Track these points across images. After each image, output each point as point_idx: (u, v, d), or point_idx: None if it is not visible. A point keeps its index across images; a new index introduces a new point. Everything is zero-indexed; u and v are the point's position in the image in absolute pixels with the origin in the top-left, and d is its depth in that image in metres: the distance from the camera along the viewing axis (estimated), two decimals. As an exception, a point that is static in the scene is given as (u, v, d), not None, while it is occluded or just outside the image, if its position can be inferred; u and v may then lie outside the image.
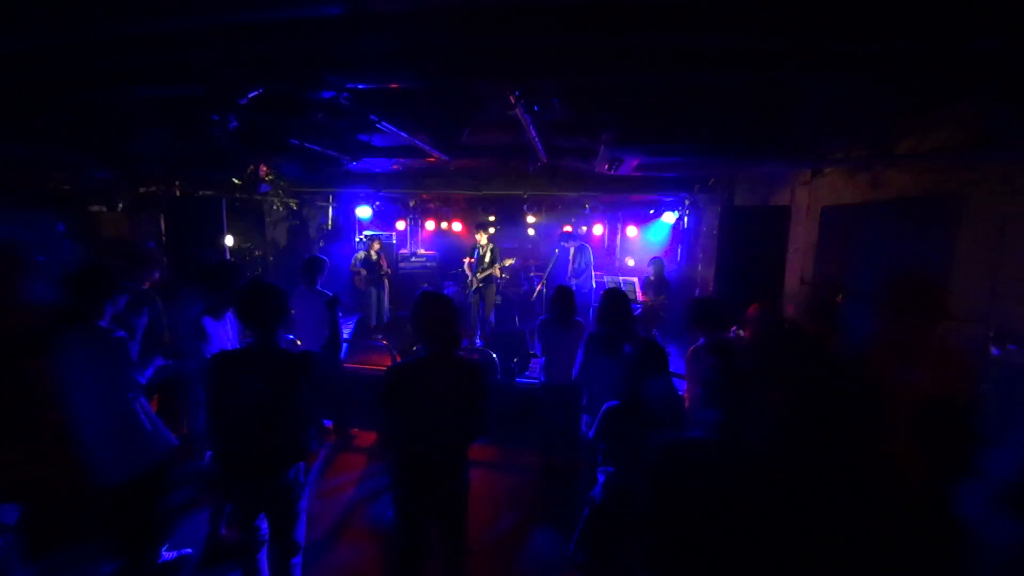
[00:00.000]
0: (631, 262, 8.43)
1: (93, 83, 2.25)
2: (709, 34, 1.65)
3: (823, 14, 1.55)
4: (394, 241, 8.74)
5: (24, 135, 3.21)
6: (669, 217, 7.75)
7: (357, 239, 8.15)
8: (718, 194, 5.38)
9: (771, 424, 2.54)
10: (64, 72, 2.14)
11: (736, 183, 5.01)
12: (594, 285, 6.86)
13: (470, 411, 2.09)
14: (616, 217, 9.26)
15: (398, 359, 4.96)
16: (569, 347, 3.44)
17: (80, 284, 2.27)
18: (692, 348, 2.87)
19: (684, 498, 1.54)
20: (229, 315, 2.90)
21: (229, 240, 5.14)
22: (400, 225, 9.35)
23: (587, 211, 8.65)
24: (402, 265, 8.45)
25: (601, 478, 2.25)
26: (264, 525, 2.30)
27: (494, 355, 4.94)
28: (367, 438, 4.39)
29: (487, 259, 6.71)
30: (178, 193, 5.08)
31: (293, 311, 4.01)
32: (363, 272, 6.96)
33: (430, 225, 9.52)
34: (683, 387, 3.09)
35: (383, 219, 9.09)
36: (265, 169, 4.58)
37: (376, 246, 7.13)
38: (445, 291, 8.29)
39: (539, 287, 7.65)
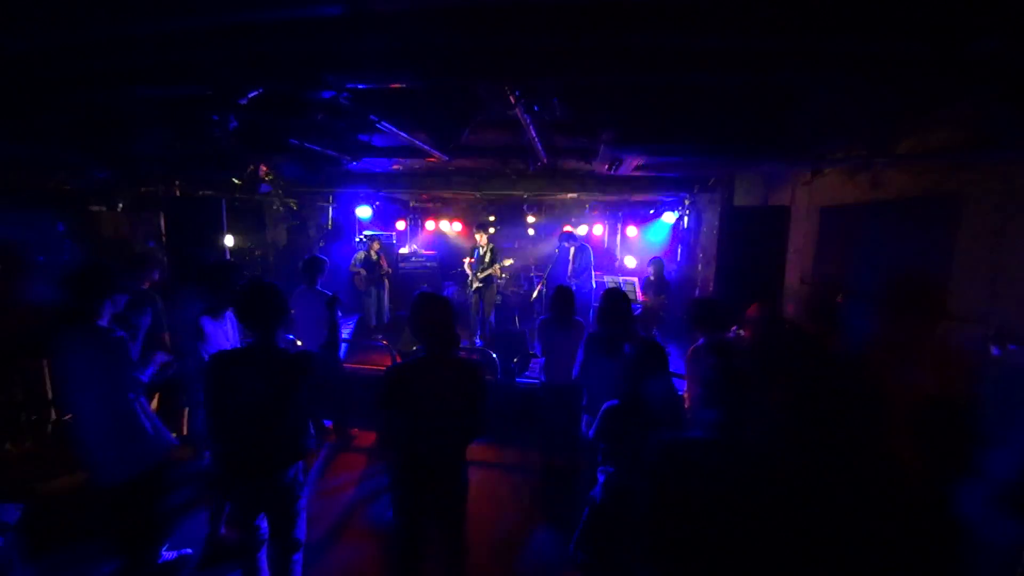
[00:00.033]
0: (631, 262, 8.42)
1: (93, 83, 2.25)
2: (709, 34, 1.65)
3: (823, 14, 1.55)
4: (394, 241, 8.74)
5: (24, 135, 3.21)
6: (669, 217, 7.75)
7: (357, 239, 8.16)
8: (718, 194, 5.38)
9: (771, 424, 2.54)
10: (64, 72, 2.14)
11: (736, 183, 5.01)
12: (594, 285, 6.85)
13: (469, 411, 2.09)
14: (616, 217, 9.26)
15: (398, 359, 4.95)
16: (569, 347, 3.44)
17: (79, 284, 2.27)
18: (692, 348, 2.87)
19: (683, 498, 1.54)
20: (229, 315, 2.90)
21: (229, 240, 5.14)
22: (400, 225, 9.36)
23: (587, 211, 8.65)
24: (402, 265, 8.45)
25: (601, 478, 2.25)
26: (264, 524, 2.31)
27: (494, 355, 4.94)
28: (367, 438, 4.39)
29: (487, 259, 6.71)
30: (178, 193, 5.08)
31: (293, 311, 4.02)
32: (363, 272, 6.96)
33: (430, 225, 9.53)
34: (683, 387, 3.10)
35: (383, 219, 9.10)
36: (265, 169, 4.58)
37: (376, 246, 7.13)
38: (445, 291, 8.30)
39: (539, 287, 7.65)
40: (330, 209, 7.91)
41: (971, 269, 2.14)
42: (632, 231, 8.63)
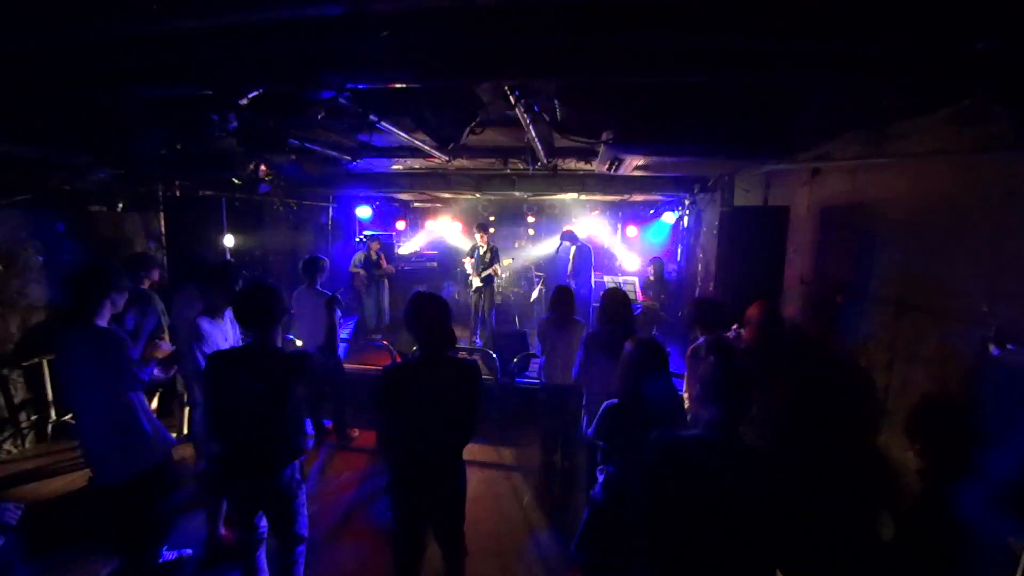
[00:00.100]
0: (631, 262, 8.43)
1: (93, 83, 2.25)
2: (709, 34, 1.65)
3: (823, 14, 1.55)
4: (394, 241, 8.74)
5: (24, 135, 3.21)
6: (669, 217, 7.75)
7: (357, 239, 8.16)
8: (718, 194, 5.37)
9: (771, 423, 2.54)
10: (64, 72, 2.14)
11: (736, 183, 5.01)
12: (593, 285, 6.85)
13: (467, 411, 2.09)
14: (616, 217, 9.27)
15: (398, 359, 4.96)
16: (569, 347, 3.44)
17: (79, 284, 2.28)
18: (692, 347, 2.88)
19: (683, 497, 1.54)
20: (229, 315, 2.90)
21: (229, 240, 5.14)
22: (400, 225, 9.36)
23: (587, 211, 8.65)
24: (402, 265, 8.45)
25: (601, 478, 2.25)
26: (262, 523, 2.31)
27: (494, 355, 4.94)
28: (367, 438, 4.39)
29: (487, 259, 6.71)
30: (178, 193, 5.08)
31: (293, 311, 4.02)
32: (363, 272, 6.96)
33: (430, 225, 9.53)
34: (683, 387, 3.10)
35: (383, 219, 9.10)
36: (265, 169, 4.57)
37: (376, 246, 7.13)
38: (445, 291, 8.30)
39: (539, 287, 7.65)
40: (330, 209, 7.91)
41: (971, 269, 2.14)
42: (632, 231, 8.63)
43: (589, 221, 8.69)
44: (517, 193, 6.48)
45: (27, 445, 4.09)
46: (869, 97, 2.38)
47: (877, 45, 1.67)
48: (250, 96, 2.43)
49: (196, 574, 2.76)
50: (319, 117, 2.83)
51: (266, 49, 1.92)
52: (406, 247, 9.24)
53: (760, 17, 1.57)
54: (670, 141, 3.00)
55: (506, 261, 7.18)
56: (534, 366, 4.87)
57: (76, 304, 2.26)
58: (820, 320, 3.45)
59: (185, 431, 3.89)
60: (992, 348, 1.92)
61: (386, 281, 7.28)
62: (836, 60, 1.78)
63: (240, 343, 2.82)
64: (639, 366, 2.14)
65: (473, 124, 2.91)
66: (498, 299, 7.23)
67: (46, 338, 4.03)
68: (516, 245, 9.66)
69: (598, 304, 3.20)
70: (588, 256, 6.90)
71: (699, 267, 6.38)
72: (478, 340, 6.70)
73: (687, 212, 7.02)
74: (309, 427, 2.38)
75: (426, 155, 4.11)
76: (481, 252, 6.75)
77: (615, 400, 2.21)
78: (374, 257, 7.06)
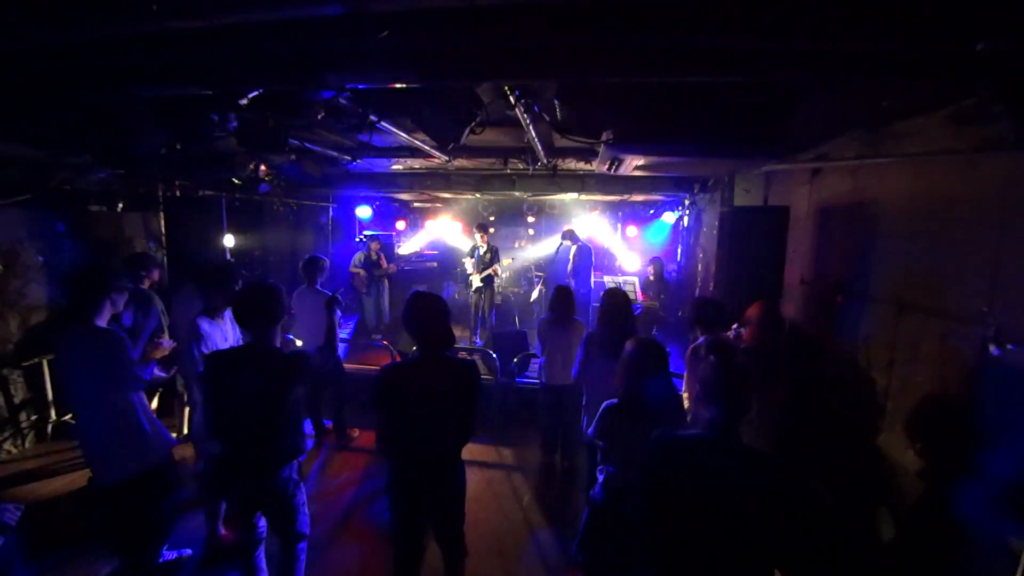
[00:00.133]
0: (631, 262, 8.43)
1: (93, 83, 2.24)
2: (709, 34, 1.65)
3: (824, 15, 1.55)
4: (394, 241, 8.74)
5: (25, 135, 3.21)
6: (669, 217, 7.75)
7: (357, 239, 8.16)
8: (718, 194, 5.37)
9: (770, 423, 2.54)
10: (64, 72, 2.14)
11: (736, 183, 5.01)
12: (592, 285, 6.86)
13: (465, 411, 2.09)
14: (616, 217, 9.27)
15: (398, 359, 4.96)
16: (569, 347, 3.44)
17: (78, 284, 2.28)
18: (692, 347, 2.88)
19: (682, 497, 1.54)
20: (229, 315, 2.90)
21: (229, 240, 5.14)
22: (400, 225, 9.36)
23: (587, 211, 8.65)
24: (402, 265, 8.46)
25: (601, 478, 2.25)
26: (262, 523, 2.31)
27: (494, 355, 4.94)
28: (367, 438, 4.39)
29: (487, 259, 6.71)
30: (178, 193, 5.08)
31: (293, 311, 4.02)
32: (363, 272, 6.96)
33: (430, 225, 9.53)
34: (683, 387, 3.10)
35: (383, 219, 9.10)
36: (265, 169, 4.57)
37: (376, 246, 7.13)
38: (445, 291, 8.30)
39: (539, 287, 7.65)
40: (330, 209, 7.91)
41: (971, 269, 2.14)
42: (632, 231, 8.63)
43: (589, 221, 8.69)
44: (517, 193, 6.48)
45: (27, 445, 4.09)
46: (869, 97, 2.38)
47: (878, 45, 1.67)
48: (250, 96, 2.44)
49: (196, 574, 2.76)
50: (319, 117, 2.83)
51: (266, 49, 1.92)
52: (406, 247, 9.23)
53: (761, 17, 1.57)
54: (670, 141, 3.00)
55: (506, 261, 7.18)
56: (534, 366, 4.87)
57: (76, 304, 2.27)
58: (820, 320, 3.45)
59: (185, 431, 3.89)
60: (992, 348, 1.92)
61: (386, 281, 7.27)
62: (837, 60, 1.78)
63: (240, 343, 2.82)
64: (639, 366, 2.14)
65: (473, 124, 2.91)
66: (498, 299, 7.23)
67: (46, 338, 4.04)
68: (516, 245, 9.66)
69: (598, 304, 3.20)
70: (588, 256, 6.90)
71: (699, 267, 6.38)
72: (478, 340, 6.70)
73: (687, 212, 7.02)
74: (309, 427, 2.38)
75: (426, 155, 4.11)
76: (481, 252, 6.75)
77: (615, 400, 2.21)
78: (374, 257, 7.07)
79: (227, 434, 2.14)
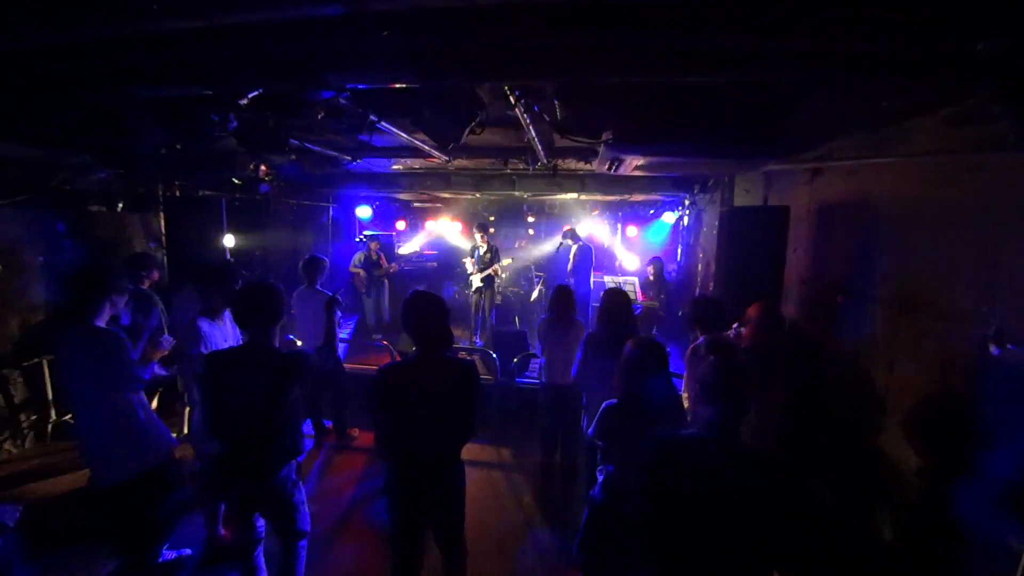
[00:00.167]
0: (631, 262, 8.43)
1: (93, 83, 2.24)
2: (709, 35, 1.65)
3: (824, 15, 1.55)
4: (394, 241, 8.75)
5: (25, 135, 3.21)
6: (669, 217, 7.76)
7: (357, 239, 8.16)
8: (718, 194, 5.38)
9: (770, 423, 2.54)
10: (64, 72, 2.14)
11: (736, 183, 5.01)
12: (592, 285, 6.85)
13: (464, 411, 2.08)
14: (616, 217, 9.27)
15: (398, 359, 4.95)
16: (569, 347, 3.44)
17: (78, 285, 2.28)
18: (691, 346, 2.88)
19: (682, 497, 1.54)
20: (229, 315, 2.90)
21: (229, 240, 5.13)
22: (400, 225, 9.36)
23: (587, 211, 8.65)
24: (402, 265, 8.46)
25: (601, 478, 2.25)
26: (261, 523, 2.31)
27: (494, 355, 4.94)
28: (367, 438, 4.39)
29: (487, 259, 6.71)
30: (178, 193, 5.08)
31: (293, 311, 4.02)
32: (363, 272, 6.96)
33: (430, 225, 9.53)
34: (683, 387, 3.10)
35: (383, 219, 9.10)
36: (265, 169, 4.57)
37: (376, 246, 7.13)
38: (445, 291, 8.30)
39: (539, 287, 7.65)
40: (330, 209, 7.91)
41: (971, 269, 2.14)
42: (632, 231, 8.63)
43: (589, 221, 8.69)
44: (517, 193, 6.48)
45: (27, 445, 4.09)
46: (869, 97, 2.38)
47: (878, 45, 1.67)
48: (250, 96, 2.43)
49: (196, 574, 2.76)
50: (319, 117, 2.83)
51: (266, 49, 1.92)
52: (406, 247, 9.23)
53: (761, 17, 1.57)
54: (670, 141, 3.00)
55: (506, 261, 7.17)
56: (534, 366, 4.87)
57: (75, 305, 2.27)
58: (820, 320, 3.45)
59: (186, 431, 3.89)
60: (992, 348, 1.92)
61: (386, 281, 7.27)
62: (837, 60, 1.78)
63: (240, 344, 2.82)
64: (639, 366, 2.14)
65: (473, 124, 2.90)
66: (498, 299, 7.23)
67: (46, 338, 4.04)
68: (516, 245, 9.66)
69: (598, 304, 3.20)
70: (589, 255, 6.89)
71: (699, 267, 6.38)
72: (478, 340, 6.70)
73: (687, 212, 7.03)
74: (308, 427, 2.37)
75: (426, 155, 4.11)
76: (481, 252, 6.75)
77: (615, 400, 2.21)
78: (374, 257, 7.07)
79: (226, 434, 2.14)
